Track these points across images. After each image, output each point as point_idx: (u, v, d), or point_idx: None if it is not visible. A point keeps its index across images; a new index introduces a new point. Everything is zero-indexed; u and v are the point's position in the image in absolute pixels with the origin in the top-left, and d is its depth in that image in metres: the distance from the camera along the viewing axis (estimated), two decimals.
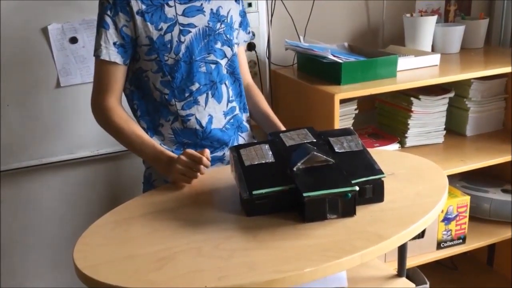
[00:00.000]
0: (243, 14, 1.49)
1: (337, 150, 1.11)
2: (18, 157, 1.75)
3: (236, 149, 1.14)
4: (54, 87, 1.73)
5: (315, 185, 0.98)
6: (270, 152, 1.11)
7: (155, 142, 1.33)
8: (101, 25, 1.30)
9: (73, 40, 1.71)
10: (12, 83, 1.68)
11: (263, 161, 1.08)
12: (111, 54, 1.30)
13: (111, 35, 1.29)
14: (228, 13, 1.41)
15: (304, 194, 0.96)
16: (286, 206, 1.02)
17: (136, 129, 1.33)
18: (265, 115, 1.51)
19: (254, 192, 1.00)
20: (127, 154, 1.88)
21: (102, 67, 1.32)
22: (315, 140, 1.14)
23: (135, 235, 0.99)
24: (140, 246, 0.95)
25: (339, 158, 1.07)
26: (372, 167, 1.06)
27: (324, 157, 1.05)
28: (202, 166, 1.20)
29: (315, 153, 1.05)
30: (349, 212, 1.00)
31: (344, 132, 1.20)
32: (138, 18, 1.29)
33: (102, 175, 1.91)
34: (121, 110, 1.34)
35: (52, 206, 1.87)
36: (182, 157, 1.21)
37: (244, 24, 1.50)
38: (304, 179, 1.01)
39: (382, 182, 1.05)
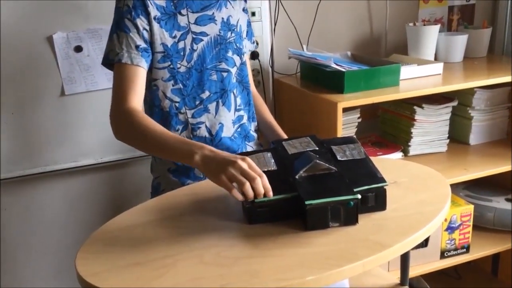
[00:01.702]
0: (249, 24, 1.51)
1: (339, 158, 1.12)
2: (22, 164, 1.75)
3: None
4: (59, 95, 1.74)
5: (317, 193, 0.98)
6: (273, 160, 1.11)
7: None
8: (119, 29, 1.26)
9: (78, 49, 1.72)
10: (17, 91, 1.69)
11: (266, 169, 1.08)
12: (134, 57, 1.24)
13: (133, 38, 1.25)
14: (237, 22, 1.43)
15: (306, 202, 0.96)
16: (288, 214, 1.02)
17: (164, 129, 1.18)
18: (269, 125, 1.54)
19: (256, 200, 1.00)
20: (130, 162, 1.89)
21: (123, 72, 1.24)
22: (317, 148, 1.15)
23: (137, 243, 0.99)
24: (142, 254, 0.95)
25: (342, 166, 1.07)
26: (374, 176, 1.06)
27: (327, 165, 1.05)
28: (259, 183, 0.99)
29: (317, 161, 1.05)
30: (351, 220, 1.00)
31: (347, 140, 1.20)
32: (155, 24, 1.28)
33: (106, 183, 1.91)
34: (144, 113, 1.23)
35: (55, 213, 1.88)
36: (242, 163, 1.01)
37: (249, 34, 1.52)
38: (306, 187, 1.01)
39: (385, 190, 1.05)
